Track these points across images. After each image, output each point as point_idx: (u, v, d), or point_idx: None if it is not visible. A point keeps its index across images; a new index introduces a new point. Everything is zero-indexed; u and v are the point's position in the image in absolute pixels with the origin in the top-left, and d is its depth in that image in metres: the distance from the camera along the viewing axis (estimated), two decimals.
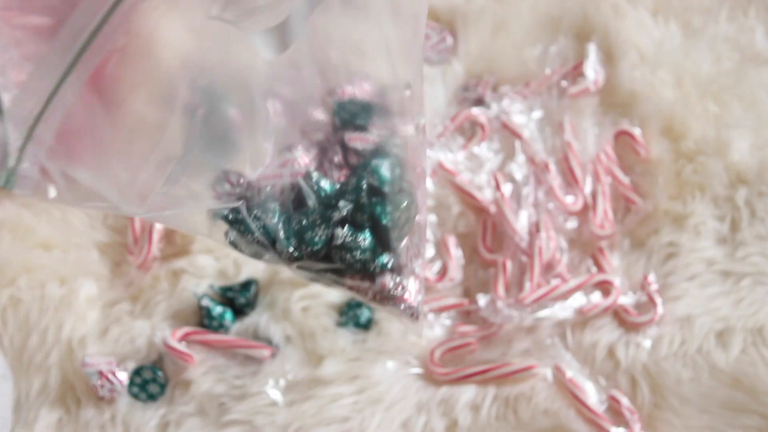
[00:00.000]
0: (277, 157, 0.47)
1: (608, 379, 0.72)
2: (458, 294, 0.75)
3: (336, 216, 0.47)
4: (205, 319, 0.74)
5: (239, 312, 0.75)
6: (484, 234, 0.77)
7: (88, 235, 0.76)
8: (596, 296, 0.74)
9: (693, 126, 0.78)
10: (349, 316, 0.74)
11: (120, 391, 0.72)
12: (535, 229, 0.75)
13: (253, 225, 0.47)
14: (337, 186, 0.47)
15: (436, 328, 0.74)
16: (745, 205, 0.76)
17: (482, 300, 0.73)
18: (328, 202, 0.47)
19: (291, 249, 0.47)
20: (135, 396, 0.72)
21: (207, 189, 0.47)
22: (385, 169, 0.47)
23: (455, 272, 0.76)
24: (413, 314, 0.50)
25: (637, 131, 0.78)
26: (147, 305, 0.75)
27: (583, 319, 0.74)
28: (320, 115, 0.48)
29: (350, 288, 0.49)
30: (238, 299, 0.74)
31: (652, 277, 0.75)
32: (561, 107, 0.79)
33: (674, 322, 0.73)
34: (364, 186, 0.47)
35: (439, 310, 0.75)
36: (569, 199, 0.77)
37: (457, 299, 0.75)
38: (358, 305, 0.74)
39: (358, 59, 0.47)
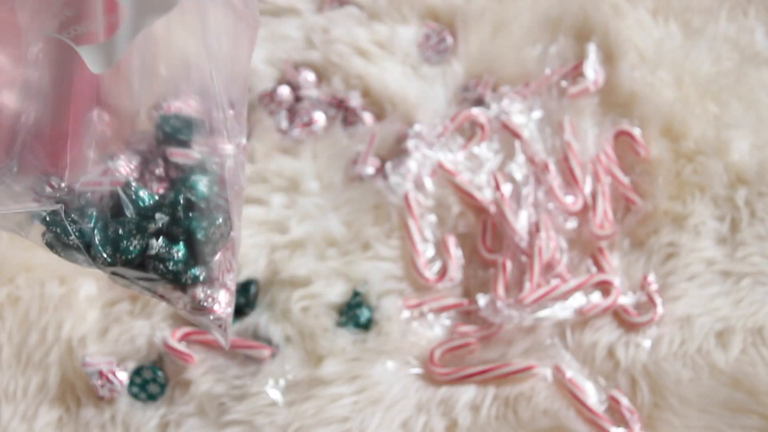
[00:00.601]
0: (99, 164, 0.48)
1: (608, 379, 0.72)
2: (458, 294, 0.75)
3: (152, 227, 0.48)
4: None
5: (239, 312, 0.75)
6: (484, 234, 0.77)
7: None
8: (596, 296, 0.74)
9: (693, 126, 0.78)
10: (349, 316, 0.74)
11: (120, 391, 0.72)
12: (535, 229, 0.75)
13: (70, 228, 0.48)
14: (156, 198, 0.49)
15: (435, 328, 0.74)
16: (745, 205, 0.76)
17: (482, 300, 0.73)
18: (146, 213, 0.48)
19: (105, 255, 0.49)
20: (135, 396, 0.72)
21: (27, 190, 0.48)
22: (202, 185, 0.49)
23: (455, 272, 0.76)
24: (221, 325, 0.51)
25: (636, 131, 0.78)
26: (147, 305, 0.75)
27: (583, 319, 0.74)
28: (145, 126, 0.50)
29: (162, 297, 0.50)
30: (238, 299, 0.74)
31: (651, 277, 0.75)
32: (561, 107, 0.79)
33: (674, 322, 0.73)
34: (182, 200, 0.48)
35: (439, 310, 0.75)
36: (569, 199, 0.77)
37: (456, 299, 0.75)
38: (358, 305, 0.74)
39: (185, 74, 0.48)
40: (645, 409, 0.71)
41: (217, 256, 0.50)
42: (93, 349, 0.73)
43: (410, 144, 0.78)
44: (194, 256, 0.49)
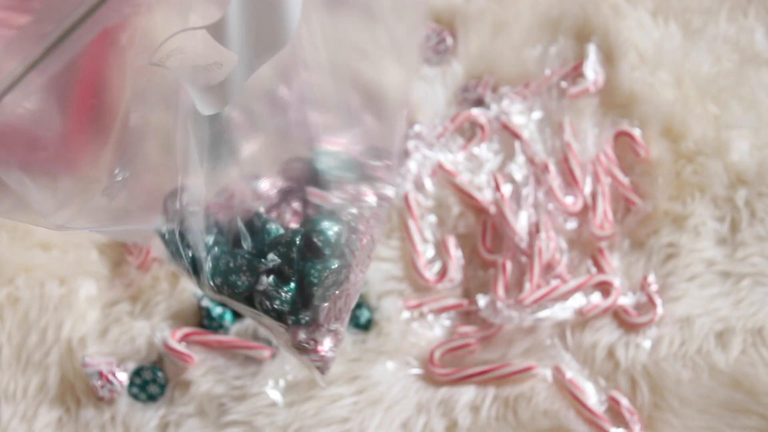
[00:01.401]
0: (238, 185, 0.47)
1: (608, 380, 0.72)
2: (458, 294, 0.75)
3: (262, 267, 0.47)
4: (204, 320, 0.74)
5: (238, 313, 0.74)
6: (484, 234, 0.77)
7: (87, 235, 0.76)
8: (596, 297, 0.74)
9: (693, 126, 0.78)
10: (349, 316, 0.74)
11: (120, 392, 0.72)
12: (534, 230, 0.75)
13: (183, 252, 0.47)
14: (282, 231, 0.48)
15: (435, 329, 0.74)
16: (745, 205, 0.76)
17: (482, 300, 0.73)
18: (264, 247, 0.47)
19: (213, 285, 0.48)
20: (135, 396, 0.72)
21: (154, 205, 0.47)
22: (332, 232, 0.48)
23: (455, 273, 0.76)
24: (319, 368, 0.51)
25: (636, 132, 0.78)
26: (147, 305, 0.74)
27: (583, 319, 0.74)
28: (300, 154, 0.49)
29: (265, 326, 0.50)
30: None
31: (651, 278, 0.75)
32: (561, 108, 0.79)
33: (674, 323, 0.73)
34: (298, 242, 0.47)
35: (439, 311, 0.75)
36: (569, 200, 0.77)
37: (456, 300, 0.75)
38: (358, 306, 0.74)
39: (355, 115, 0.48)
40: (645, 409, 0.71)
41: (327, 303, 0.49)
42: (93, 350, 0.73)
43: (410, 144, 0.78)
44: (303, 298, 0.48)
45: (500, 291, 0.74)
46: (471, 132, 0.80)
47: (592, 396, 0.72)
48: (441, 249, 0.77)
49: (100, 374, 0.71)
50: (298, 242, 0.47)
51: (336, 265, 0.48)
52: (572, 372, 0.72)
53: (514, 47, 0.81)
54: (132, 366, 0.73)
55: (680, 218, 0.76)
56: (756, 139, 0.77)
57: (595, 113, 0.80)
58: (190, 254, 0.47)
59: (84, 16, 0.37)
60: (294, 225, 0.48)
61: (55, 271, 0.75)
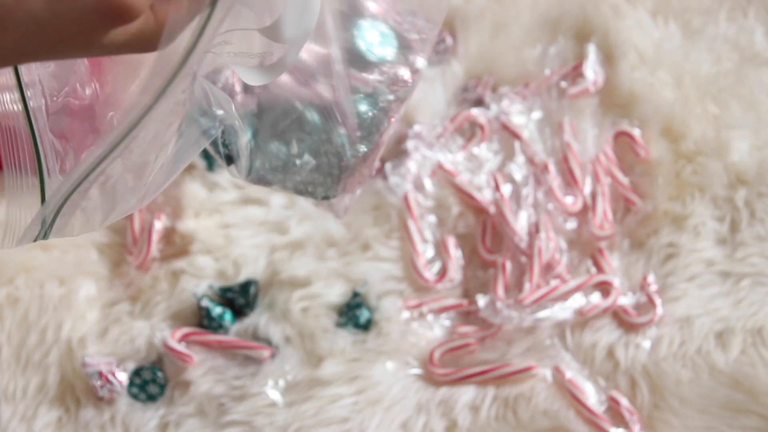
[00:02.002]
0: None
1: (608, 380, 0.72)
2: (458, 295, 0.75)
3: (296, 167, 0.49)
4: (204, 320, 0.74)
5: (239, 313, 0.74)
6: (484, 234, 0.77)
7: (87, 236, 0.76)
8: (596, 297, 0.74)
9: (692, 126, 0.78)
10: (349, 316, 0.74)
11: (119, 392, 0.71)
12: (534, 230, 0.75)
13: (220, 150, 0.48)
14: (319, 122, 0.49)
15: (435, 329, 0.74)
16: (745, 205, 0.76)
17: (482, 301, 0.73)
18: (303, 137, 0.49)
19: (248, 180, 0.50)
20: (134, 396, 0.72)
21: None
22: (368, 117, 0.49)
23: (455, 273, 0.76)
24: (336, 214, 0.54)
25: (636, 132, 0.78)
26: (146, 306, 0.74)
27: (583, 319, 0.74)
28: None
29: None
30: (238, 300, 0.74)
31: (651, 278, 0.75)
32: (560, 108, 0.79)
33: (674, 323, 0.73)
34: (338, 137, 0.49)
35: (439, 311, 0.75)
36: (569, 200, 0.77)
37: (456, 300, 0.75)
38: (358, 306, 0.74)
39: None
40: (645, 409, 0.71)
41: (355, 175, 0.51)
42: (92, 350, 0.73)
43: (410, 144, 0.78)
44: (333, 177, 0.50)
45: (500, 291, 0.74)
46: (471, 132, 0.80)
47: (592, 396, 0.72)
48: (441, 249, 0.77)
49: (100, 374, 0.71)
50: (335, 138, 0.48)
51: (367, 148, 0.49)
52: (572, 372, 0.72)
53: (513, 47, 0.81)
54: (132, 366, 0.72)
55: (680, 218, 0.76)
56: (756, 139, 0.77)
57: (595, 113, 0.80)
58: (227, 152, 0.48)
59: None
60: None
61: (55, 272, 0.74)
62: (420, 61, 0.50)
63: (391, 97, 0.49)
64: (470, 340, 0.73)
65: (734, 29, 0.81)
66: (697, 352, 0.72)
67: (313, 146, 0.49)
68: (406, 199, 0.77)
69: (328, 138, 0.49)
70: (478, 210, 0.77)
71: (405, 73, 0.50)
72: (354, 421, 0.71)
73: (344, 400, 0.71)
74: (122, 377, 0.72)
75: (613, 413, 0.71)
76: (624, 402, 0.71)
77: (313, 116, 0.48)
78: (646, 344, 0.73)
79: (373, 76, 0.49)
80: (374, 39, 0.49)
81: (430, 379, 0.73)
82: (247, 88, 0.48)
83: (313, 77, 0.48)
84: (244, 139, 0.48)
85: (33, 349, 0.73)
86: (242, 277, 0.75)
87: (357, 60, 0.49)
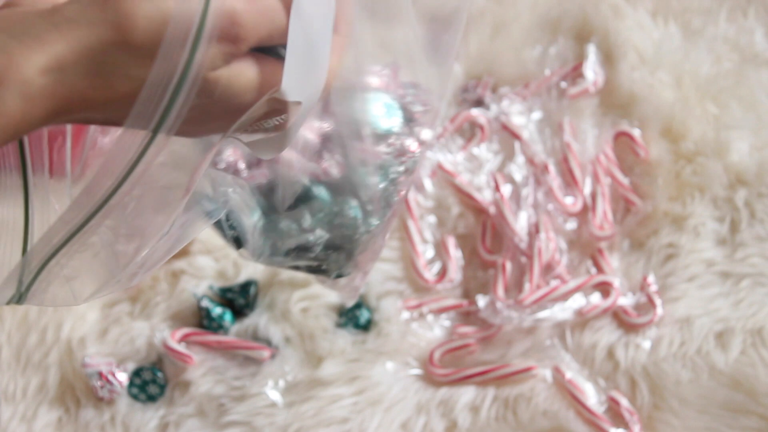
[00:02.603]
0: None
1: (608, 380, 0.72)
2: (458, 295, 0.75)
3: (309, 243, 0.48)
4: (204, 320, 0.74)
5: (239, 313, 0.74)
6: (484, 235, 0.77)
7: None
8: (596, 297, 0.74)
9: (692, 127, 0.78)
10: (349, 317, 0.74)
11: (119, 392, 0.71)
12: (534, 230, 0.75)
13: (227, 232, 0.48)
14: (328, 197, 0.48)
15: (435, 329, 0.74)
16: (745, 206, 0.76)
17: (482, 301, 0.73)
18: (309, 215, 0.48)
19: (258, 261, 0.49)
20: (134, 397, 0.72)
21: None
22: (378, 190, 0.48)
23: (455, 273, 0.76)
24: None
25: (636, 132, 0.78)
26: (146, 306, 0.74)
27: (583, 320, 0.74)
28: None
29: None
30: (238, 300, 0.74)
31: (651, 278, 0.75)
32: (560, 108, 0.79)
33: (674, 323, 0.73)
34: (348, 210, 0.48)
35: (439, 311, 0.75)
36: (569, 200, 0.77)
37: (456, 300, 0.75)
38: (358, 306, 0.74)
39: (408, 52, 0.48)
40: (644, 409, 0.71)
41: (367, 251, 0.50)
42: (92, 350, 0.73)
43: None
44: (347, 255, 0.49)
45: (500, 291, 0.74)
46: (471, 132, 0.80)
47: (592, 396, 0.72)
48: (441, 249, 0.77)
49: (100, 375, 0.71)
50: (347, 211, 0.48)
51: (378, 222, 0.48)
52: (572, 372, 0.72)
53: (513, 48, 0.81)
54: (132, 366, 0.72)
55: (680, 219, 0.76)
56: (756, 140, 0.77)
57: (595, 114, 0.80)
58: (234, 234, 0.48)
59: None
60: (336, 173, 0.48)
61: None
62: (426, 133, 0.50)
63: (401, 168, 0.49)
64: (470, 341, 0.73)
65: (734, 30, 0.81)
66: (697, 352, 0.72)
67: (325, 220, 0.48)
68: (405, 199, 0.77)
69: (340, 211, 0.48)
70: (478, 210, 0.77)
71: (412, 144, 0.49)
72: (354, 422, 0.71)
73: (344, 400, 0.71)
74: (122, 378, 0.72)
75: (613, 414, 0.71)
76: (624, 402, 0.71)
77: (321, 192, 0.47)
78: (646, 345, 0.73)
79: (380, 148, 0.48)
80: (380, 111, 0.48)
81: (430, 379, 0.73)
82: (251, 166, 0.47)
83: (319, 154, 0.47)
84: (251, 220, 0.47)
85: (33, 350, 0.73)
86: (242, 278, 0.75)
87: (359, 132, 0.48)
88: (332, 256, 0.49)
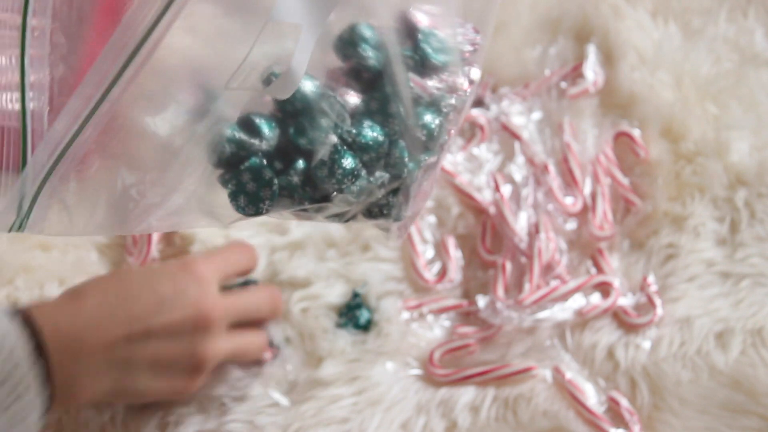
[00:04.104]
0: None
1: (608, 381, 0.72)
2: (458, 295, 0.75)
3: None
4: None
5: None
6: (484, 235, 0.77)
7: (87, 236, 0.76)
8: (596, 297, 0.74)
9: (692, 127, 0.78)
10: (349, 317, 0.74)
11: None
12: (534, 231, 0.75)
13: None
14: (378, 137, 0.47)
15: (435, 330, 0.74)
16: (745, 206, 0.76)
17: (482, 301, 0.73)
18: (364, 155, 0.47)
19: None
20: None
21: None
22: (434, 126, 0.47)
23: (454, 273, 0.76)
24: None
25: (636, 132, 0.79)
26: None
27: (583, 320, 0.74)
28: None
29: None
30: None
31: (651, 279, 0.75)
32: (560, 108, 0.79)
33: (674, 324, 0.73)
34: (400, 151, 0.47)
35: (439, 312, 0.75)
36: (569, 201, 0.77)
37: (456, 300, 0.75)
38: (358, 306, 0.74)
39: None
40: (644, 410, 0.71)
41: (421, 189, 0.49)
42: None
43: None
44: (403, 195, 0.48)
45: (500, 292, 0.74)
46: (471, 132, 0.80)
47: (592, 396, 0.72)
48: (440, 250, 0.77)
49: None
50: (399, 151, 0.46)
51: (434, 158, 0.48)
52: (572, 372, 0.72)
53: (513, 48, 0.81)
54: None
55: (680, 219, 0.76)
56: (756, 140, 0.78)
57: (595, 114, 0.80)
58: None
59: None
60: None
61: (55, 272, 0.74)
62: (474, 72, 0.49)
63: (452, 101, 0.48)
64: (470, 341, 0.73)
65: (734, 30, 0.81)
66: (697, 352, 0.72)
67: (378, 161, 0.47)
68: None
69: (390, 152, 0.47)
70: (478, 210, 0.77)
71: (463, 82, 0.49)
72: (354, 422, 0.71)
73: (344, 400, 0.71)
74: None
75: (613, 414, 0.71)
76: (624, 402, 0.71)
77: (368, 132, 0.46)
78: (646, 345, 0.73)
79: (432, 83, 0.48)
80: (437, 45, 0.48)
81: (430, 379, 0.73)
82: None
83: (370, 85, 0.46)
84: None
85: None
86: (242, 278, 0.75)
87: (419, 65, 0.47)
88: (391, 199, 0.48)
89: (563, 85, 0.80)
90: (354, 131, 0.46)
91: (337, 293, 0.74)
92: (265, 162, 0.45)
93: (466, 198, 0.77)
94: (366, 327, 0.74)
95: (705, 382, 0.71)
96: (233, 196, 0.46)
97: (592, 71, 0.80)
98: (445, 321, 0.75)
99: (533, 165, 0.78)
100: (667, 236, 0.75)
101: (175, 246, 0.76)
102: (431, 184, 0.50)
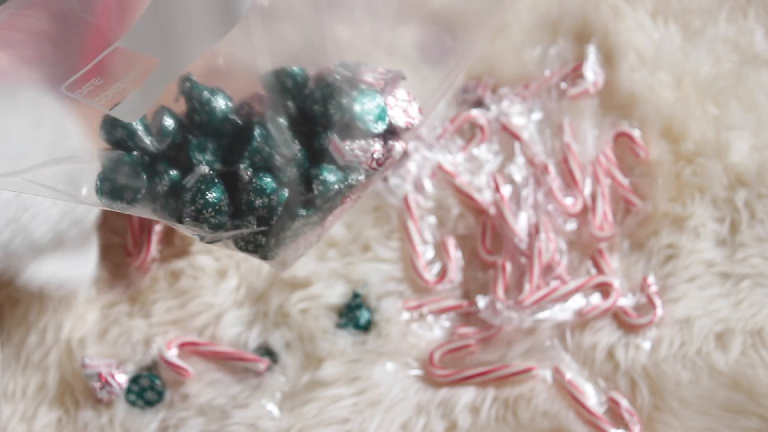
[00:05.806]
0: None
1: (608, 381, 0.72)
2: (458, 296, 0.75)
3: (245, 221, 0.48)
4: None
5: None
6: (484, 235, 0.77)
7: None
8: (596, 298, 0.74)
9: (692, 127, 0.78)
10: (349, 317, 0.74)
11: (118, 394, 0.71)
12: (534, 231, 0.75)
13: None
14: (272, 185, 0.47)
15: (435, 330, 0.74)
16: (745, 206, 0.76)
17: (482, 302, 0.73)
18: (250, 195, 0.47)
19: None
20: (132, 403, 0.71)
21: None
22: (332, 190, 0.47)
23: (454, 274, 0.76)
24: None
25: (636, 133, 0.78)
26: (145, 306, 0.74)
27: (583, 320, 0.74)
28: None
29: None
30: None
31: (651, 279, 0.75)
32: (560, 109, 0.79)
33: (674, 324, 0.73)
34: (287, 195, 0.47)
35: (439, 312, 0.75)
36: (569, 201, 0.77)
37: (456, 301, 0.75)
38: (358, 307, 0.74)
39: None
40: (645, 410, 0.71)
41: (296, 242, 0.49)
42: (92, 351, 0.73)
43: (410, 146, 0.78)
44: (276, 240, 0.48)
45: (500, 292, 0.74)
46: (471, 133, 0.80)
47: (592, 397, 0.72)
48: (441, 250, 0.77)
49: (99, 376, 0.71)
50: (279, 198, 0.46)
51: (317, 216, 0.47)
52: (572, 373, 0.72)
53: (513, 48, 0.81)
54: (131, 368, 0.72)
55: (680, 219, 0.76)
56: (756, 140, 0.77)
57: (595, 114, 0.80)
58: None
59: None
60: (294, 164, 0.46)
61: None
62: (397, 149, 0.48)
63: (362, 177, 0.47)
64: (470, 341, 0.73)
65: (734, 30, 0.81)
66: (697, 353, 0.72)
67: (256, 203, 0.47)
68: (406, 200, 0.77)
69: (279, 198, 0.47)
70: (478, 211, 0.77)
71: (380, 155, 0.48)
72: (354, 422, 0.71)
73: (344, 401, 0.71)
74: (121, 379, 0.71)
75: (613, 414, 0.71)
76: (624, 403, 0.71)
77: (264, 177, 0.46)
78: (646, 345, 0.73)
79: (350, 147, 0.47)
80: (372, 109, 0.47)
81: (430, 380, 0.73)
82: None
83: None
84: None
85: (33, 350, 0.73)
86: None
87: (346, 125, 0.46)
88: (260, 238, 0.47)
89: (563, 85, 0.80)
90: (251, 169, 0.46)
91: (337, 293, 0.74)
92: (147, 160, 0.45)
93: (466, 198, 0.77)
94: (366, 327, 0.74)
95: (705, 383, 0.71)
96: (100, 178, 0.46)
97: (592, 72, 0.80)
98: (445, 321, 0.75)
99: (533, 165, 0.78)
100: (667, 237, 0.75)
101: (175, 246, 0.76)
102: (312, 241, 0.50)
